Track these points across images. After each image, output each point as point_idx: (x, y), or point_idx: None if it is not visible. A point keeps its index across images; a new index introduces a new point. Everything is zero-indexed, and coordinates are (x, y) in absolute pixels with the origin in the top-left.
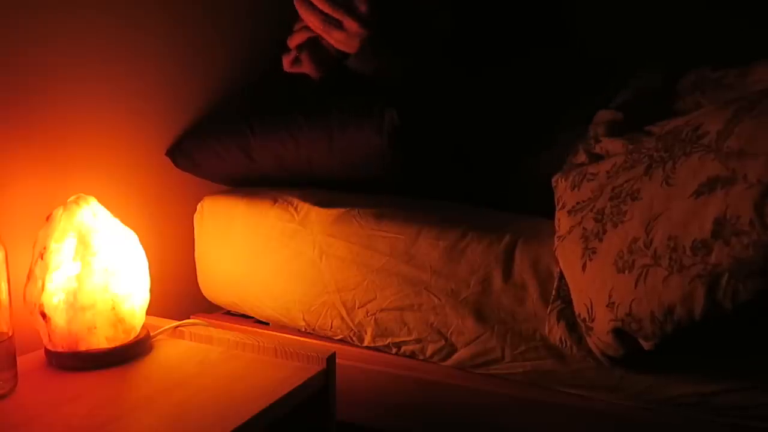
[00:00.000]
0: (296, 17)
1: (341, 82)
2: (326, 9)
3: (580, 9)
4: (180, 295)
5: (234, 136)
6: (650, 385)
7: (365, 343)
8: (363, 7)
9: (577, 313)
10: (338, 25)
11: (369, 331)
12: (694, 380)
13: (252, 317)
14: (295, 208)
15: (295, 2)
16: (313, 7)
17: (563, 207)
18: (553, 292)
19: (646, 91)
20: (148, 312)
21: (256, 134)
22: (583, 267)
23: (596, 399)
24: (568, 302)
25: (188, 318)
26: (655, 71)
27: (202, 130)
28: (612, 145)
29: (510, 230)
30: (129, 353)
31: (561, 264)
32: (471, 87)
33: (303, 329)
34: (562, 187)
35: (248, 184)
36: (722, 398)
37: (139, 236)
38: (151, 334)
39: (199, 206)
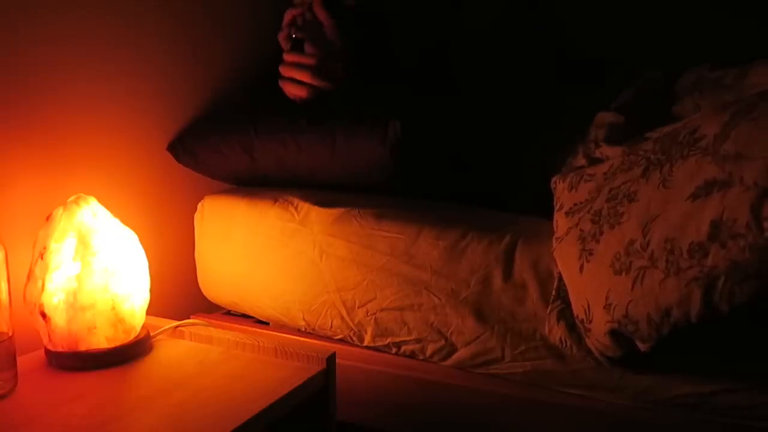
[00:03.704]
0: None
1: (348, 90)
2: (288, 58)
3: (578, 7)
4: (180, 295)
5: (237, 134)
6: (650, 385)
7: (365, 343)
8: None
9: (575, 314)
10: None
11: (369, 330)
12: (694, 380)
13: (252, 317)
14: (296, 208)
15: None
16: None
17: (561, 208)
18: (553, 293)
19: (647, 92)
20: (148, 312)
21: (260, 134)
22: (581, 268)
23: (596, 399)
24: (568, 302)
25: (188, 318)
26: (655, 71)
27: (206, 126)
28: (611, 152)
29: (510, 230)
30: (129, 353)
31: (559, 265)
32: (469, 102)
33: (303, 329)
34: (560, 188)
35: (249, 183)
36: (722, 398)
37: (139, 236)
38: (151, 334)
39: (199, 206)
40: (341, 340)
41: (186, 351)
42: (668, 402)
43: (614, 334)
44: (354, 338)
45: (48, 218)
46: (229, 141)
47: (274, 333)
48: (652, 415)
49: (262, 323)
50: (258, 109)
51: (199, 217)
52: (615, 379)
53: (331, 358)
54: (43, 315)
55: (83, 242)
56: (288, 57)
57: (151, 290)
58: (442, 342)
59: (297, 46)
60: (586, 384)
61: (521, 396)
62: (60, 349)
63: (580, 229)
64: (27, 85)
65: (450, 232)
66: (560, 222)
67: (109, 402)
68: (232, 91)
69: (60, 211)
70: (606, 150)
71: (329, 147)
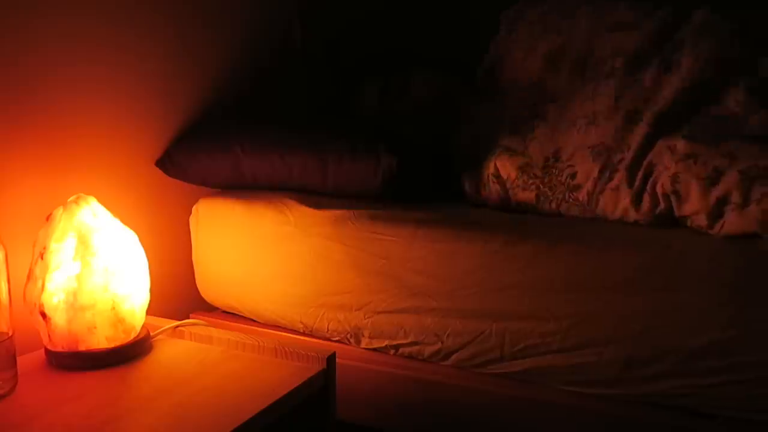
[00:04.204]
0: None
1: (335, 110)
2: None
3: None
4: (180, 295)
5: (224, 152)
6: (648, 379)
7: (362, 345)
8: None
9: None
10: None
11: (366, 333)
12: (692, 373)
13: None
14: (291, 211)
15: None
16: None
17: None
18: None
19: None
20: (148, 312)
21: (246, 152)
22: None
23: (595, 395)
24: None
25: (188, 318)
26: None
27: (194, 142)
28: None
29: (504, 230)
30: (129, 353)
31: None
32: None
33: (301, 331)
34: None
35: (243, 189)
36: (721, 391)
37: (138, 236)
38: (151, 334)
39: (194, 209)
40: (340, 342)
41: (186, 351)
42: (667, 393)
43: None
44: (351, 340)
45: (48, 218)
46: (217, 158)
47: (275, 333)
48: (651, 414)
49: (262, 322)
50: (244, 124)
51: (194, 221)
52: (614, 373)
53: (331, 358)
54: (43, 315)
55: (83, 242)
56: None
57: (150, 290)
58: (439, 345)
59: None
60: (585, 380)
61: (521, 395)
62: (60, 349)
63: None
64: (27, 86)
65: (445, 234)
66: None
67: (109, 402)
68: (225, 93)
69: (60, 211)
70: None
71: (321, 170)
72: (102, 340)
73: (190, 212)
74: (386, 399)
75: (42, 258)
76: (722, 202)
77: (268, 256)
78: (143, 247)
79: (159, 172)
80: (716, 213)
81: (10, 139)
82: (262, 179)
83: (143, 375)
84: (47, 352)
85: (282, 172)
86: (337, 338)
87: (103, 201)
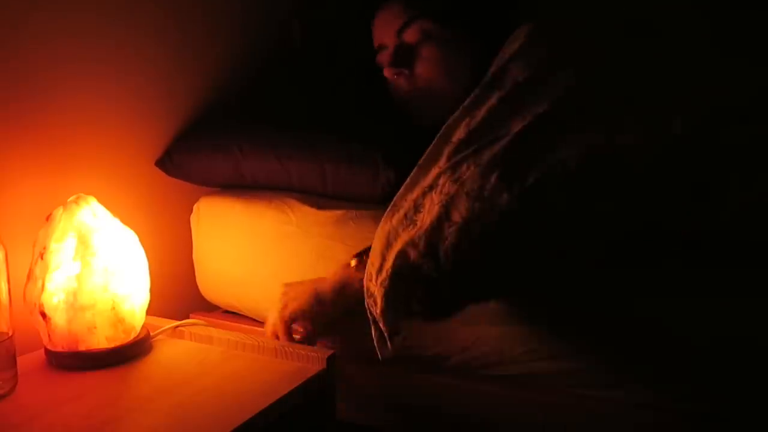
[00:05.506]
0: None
1: (335, 110)
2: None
3: None
4: (180, 295)
5: (224, 154)
6: (648, 381)
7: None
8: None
9: None
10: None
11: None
12: (693, 377)
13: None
14: (292, 210)
15: None
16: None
17: None
18: None
19: None
20: (148, 312)
21: (246, 154)
22: None
23: (595, 398)
24: None
25: (188, 318)
26: None
27: (194, 142)
28: None
29: None
30: (129, 353)
31: None
32: None
33: None
34: None
35: (243, 188)
36: (720, 393)
37: (138, 236)
38: (151, 334)
39: (195, 207)
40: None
41: (186, 351)
42: (667, 396)
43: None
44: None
45: (48, 218)
46: (217, 159)
47: None
48: (652, 415)
49: (262, 322)
50: (243, 124)
51: (195, 219)
52: (612, 377)
53: (331, 358)
54: (43, 315)
55: (83, 242)
56: None
57: (150, 290)
58: (439, 348)
59: None
60: (585, 383)
61: (520, 396)
62: (60, 349)
63: None
64: (27, 84)
65: None
66: None
67: (109, 402)
68: (226, 93)
69: (60, 211)
70: None
71: (319, 176)
72: (102, 340)
73: (191, 211)
74: (386, 399)
75: (42, 258)
76: None
77: (269, 256)
78: (143, 247)
79: (159, 171)
80: None
81: (10, 139)
82: (262, 181)
83: (143, 375)
84: (47, 352)
85: (281, 176)
86: None
87: (103, 201)
